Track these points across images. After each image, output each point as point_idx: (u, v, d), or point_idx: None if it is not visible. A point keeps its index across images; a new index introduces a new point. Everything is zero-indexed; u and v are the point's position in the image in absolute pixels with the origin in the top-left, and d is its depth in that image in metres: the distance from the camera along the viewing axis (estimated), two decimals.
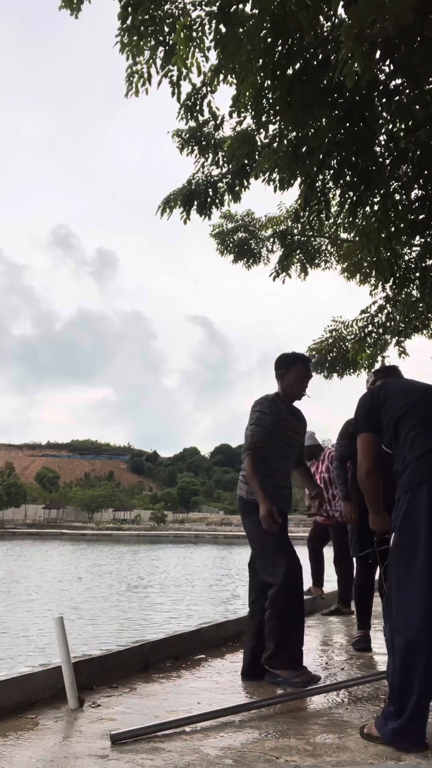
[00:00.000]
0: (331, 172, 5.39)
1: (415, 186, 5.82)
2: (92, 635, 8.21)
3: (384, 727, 2.62)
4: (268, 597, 3.64)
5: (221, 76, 5.12)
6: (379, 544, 4.01)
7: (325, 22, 4.76)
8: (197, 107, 6.20)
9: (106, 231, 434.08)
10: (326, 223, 9.02)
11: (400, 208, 5.87)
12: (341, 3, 4.08)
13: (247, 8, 4.60)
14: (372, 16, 3.27)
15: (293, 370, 3.99)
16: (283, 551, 3.66)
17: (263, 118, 5.38)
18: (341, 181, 5.41)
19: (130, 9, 4.82)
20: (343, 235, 10.44)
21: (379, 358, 9.76)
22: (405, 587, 2.63)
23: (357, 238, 7.18)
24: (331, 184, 5.64)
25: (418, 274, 7.52)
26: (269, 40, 4.47)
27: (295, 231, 11.21)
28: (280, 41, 4.58)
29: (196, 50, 5.02)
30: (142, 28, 4.94)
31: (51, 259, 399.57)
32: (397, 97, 5.13)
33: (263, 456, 3.78)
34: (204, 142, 7.54)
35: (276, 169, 5.54)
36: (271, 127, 5.49)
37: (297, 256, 11.10)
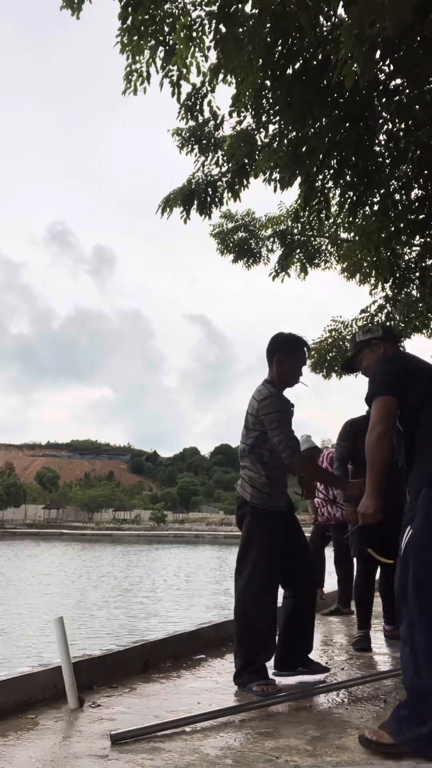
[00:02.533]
0: (331, 172, 5.40)
1: (415, 186, 5.82)
2: (92, 636, 8.21)
3: (406, 734, 2.40)
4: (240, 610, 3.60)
5: (220, 76, 5.12)
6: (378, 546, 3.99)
7: (325, 22, 4.76)
8: (197, 107, 6.20)
9: (102, 229, 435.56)
10: (326, 223, 9.05)
11: (400, 208, 5.87)
12: (341, 3, 4.08)
13: (247, 8, 4.60)
14: (372, 16, 3.26)
15: (294, 358, 3.69)
16: (270, 579, 3.58)
17: (263, 118, 5.39)
18: (341, 181, 5.42)
19: (130, 9, 4.82)
20: (343, 235, 10.46)
21: None
22: (429, 585, 2.45)
23: (357, 238, 7.19)
24: (331, 184, 5.65)
25: (418, 274, 7.53)
26: (269, 40, 4.48)
27: (295, 231, 11.21)
28: (280, 41, 4.58)
29: (196, 50, 5.02)
30: (142, 28, 4.94)
31: (48, 256, 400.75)
32: (397, 97, 5.14)
33: (276, 455, 3.60)
34: (204, 142, 7.55)
35: (276, 169, 5.55)
36: (271, 127, 5.50)
37: (297, 256, 11.11)
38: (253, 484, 3.65)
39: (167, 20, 5.04)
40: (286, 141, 5.36)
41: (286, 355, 3.68)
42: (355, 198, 5.54)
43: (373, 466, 2.73)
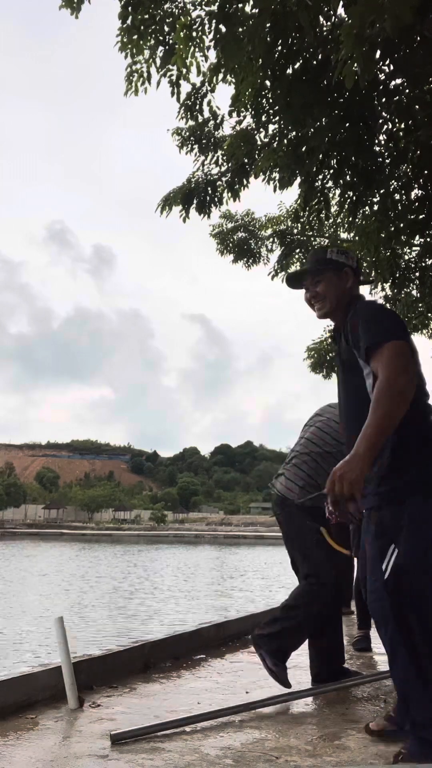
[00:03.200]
0: (331, 171, 5.40)
1: (415, 186, 5.82)
2: (91, 636, 8.21)
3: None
4: (301, 594, 3.56)
5: (220, 76, 5.12)
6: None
7: (325, 22, 4.76)
8: (197, 107, 6.20)
9: (102, 229, 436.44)
10: (326, 222, 9.04)
11: (400, 208, 5.87)
12: (341, 3, 4.08)
13: (247, 8, 4.60)
14: (372, 16, 3.26)
15: None
16: (331, 561, 3.61)
17: (263, 118, 5.38)
18: (341, 181, 5.41)
19: (130, 9, 4.82)
20: (343, 235, 10.46)
21: None
22: None
23: (357, 238, 7.18)
24: (330, 183, 5.64)
25: (418, 274, 7.53)
26: (269, 40, 4.47)
27: (295, 231, 11.21)
28: (280, 41, 4.58)
29: (196, 50, 5.02)
30: (142, 27, 4.93)
31: (47, 256, 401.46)
32: (397, 97, 5.13)
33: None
34: (204, 141, 7.54)
35: (276, 169, 5.54)
36: (271, 127, 5.49)
37: (297, 256, 11.12)
38: (302, 485, 3.65)
39: (167, 20, 5.04)
40: (285, 141, 5.36)
41: None
42: (355, 198, 5.53)
43: (382, 421, 2.01)
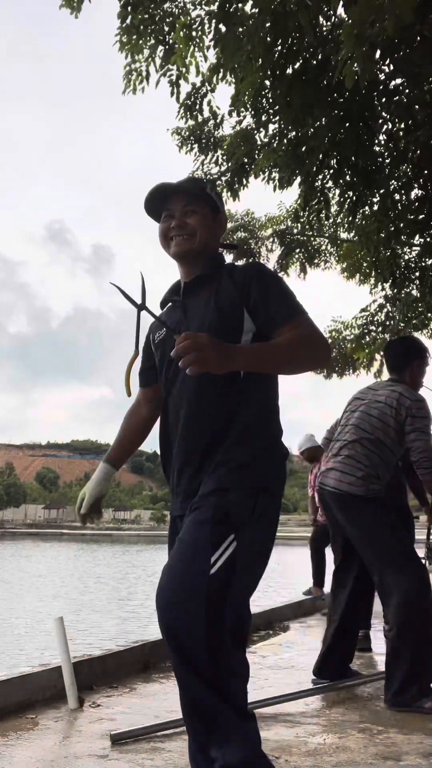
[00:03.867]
0: (331, 171, 5.40)
1: (415, 186, 5.82)
2: (91, 636, 8.21)
3: None
4: (392, 610, 3.25)
5: (219, 75, 5.13)
6: None
7: (325, 22, 4.76)
8: (197, 106, 6.20)
9: (101, 228, 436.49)
10: (326, 222, 9.05)
11: (399, 208, 5.87)
12: (341, 3, 4.08)
13: (247, 8, 4.60)
14: (372, 16, 3.26)
15: (426, 360, 3.66)
16: (412, 556, 3.36)
17: (263, 118, 5.38)
18: (341, 181, 5.42)
19: (129, 8, 4.82)
20: (343, 235, 10.46)
21: (378, 356, 9.80)
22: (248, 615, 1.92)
23: (357, 238, 7.19)
24: (330, 183, 5.65)
25: (417, 274, 7.53)
26: (269, 39, 4.48)
27: (295, 231, 11.22)
28: (280, 41, 4.58)
29: (196, 49, 5.02)
30: (142, 27, 4.94)
31: (46, 255, 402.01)
32: (397, 97, 5.14)
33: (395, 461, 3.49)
34: (203, 141, 7.55)
35: (276, 169, 5.55)
36: (271, 127, 5.50)
37: (297, 256, 11.12)
38: (362, 476, 3.41)
39: (167, 19, 5.05)
40: (285, 140, 5.36)
41: (421, 359, 3.64)
42: (355, 198, 5.54)
43: (281, 360, 1.78)
